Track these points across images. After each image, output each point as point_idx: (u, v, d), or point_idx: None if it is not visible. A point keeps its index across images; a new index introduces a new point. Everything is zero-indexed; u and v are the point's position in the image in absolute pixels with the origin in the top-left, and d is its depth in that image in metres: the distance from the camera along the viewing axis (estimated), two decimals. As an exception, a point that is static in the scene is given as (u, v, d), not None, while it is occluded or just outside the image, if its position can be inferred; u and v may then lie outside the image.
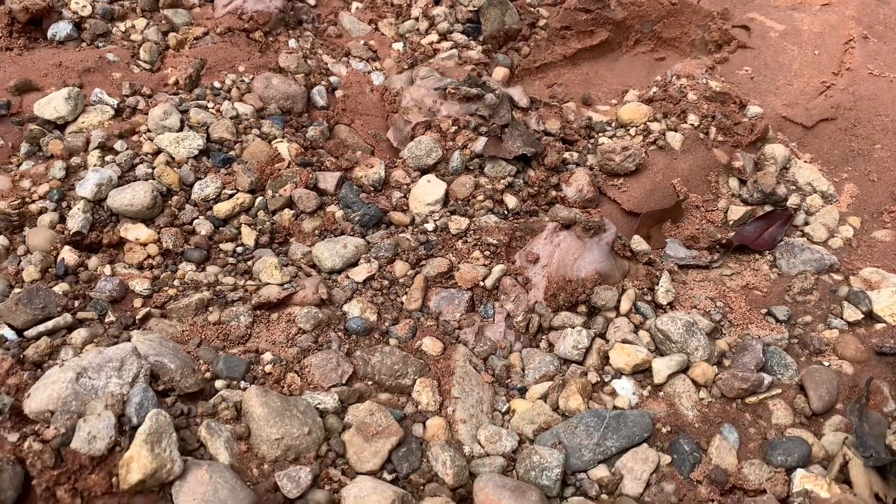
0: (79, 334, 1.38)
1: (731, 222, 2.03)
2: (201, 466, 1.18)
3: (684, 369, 1.52)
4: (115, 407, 1.20)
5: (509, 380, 1.57)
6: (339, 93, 2.28)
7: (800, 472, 1.34)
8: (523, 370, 1.60)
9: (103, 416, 1.18)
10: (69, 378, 1.23)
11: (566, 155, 2.09)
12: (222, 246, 1.71)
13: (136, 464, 1.13)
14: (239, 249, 1.72)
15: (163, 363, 1.32)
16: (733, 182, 2.14)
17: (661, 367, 1.51)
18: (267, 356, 1.45)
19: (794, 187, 2.16)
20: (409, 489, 1.27)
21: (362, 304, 1.62)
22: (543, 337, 1.66)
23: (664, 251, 1.94)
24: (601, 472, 1.34)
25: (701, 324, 1.62)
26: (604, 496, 1.31)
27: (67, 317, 1.42)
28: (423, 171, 1.97)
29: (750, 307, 1.76)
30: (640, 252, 1.80)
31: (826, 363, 1.60)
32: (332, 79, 2.30)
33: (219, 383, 1.37)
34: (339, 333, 1.55)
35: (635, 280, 1.75)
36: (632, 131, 2.18)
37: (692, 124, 2.20)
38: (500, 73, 2.36)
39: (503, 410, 1.50)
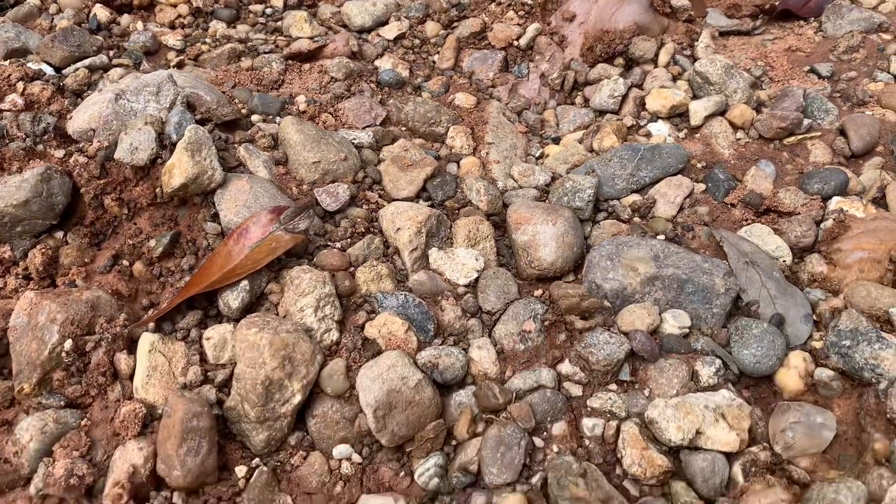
0: (115, 72, 1.39)
1: (776, -7, 1.94)
2: (242, 178, 1.21)
3: (722, 111, 1.49)
4: (155, 125, 1.22)
5: (543, 131, 1.57)
6: None
7: (836, 198, 1.33)
8: (557, 124, 1.59)
9: (144, 130, 1.20)
10: (108, 98, 1.25)
11: (604, -77, 1.98)
12: (252, 7, 1.69)
13: (178, 169, 1.16)
14: (268, 11, 1.70)
15: (199, 95, 1.33)
16: (781, -46, 2.03)
17: (699, 109, 1.48)
18: (301, 98, 1.45)
19: (845, -42, 2.05)
20: (443, 213, 1.30)
21: (394, 60, 1.61)
22: (579, 93, 1.64)
23: (704, 21, 1.86)
24: (634, 198, 1.35)
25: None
26: (636, 219, 1.32)
27: (104, 58, 1.42)
28: (454, -64, 1.90)
29: (792, 66, 1.70)
30: (680, 9, 1.74)
31: (869, 112, 1.56)
32: None
33: (255, 118, 1.39)
34: (372, 84, 1.55)
35: (675, 35, 1.69)
36: None
37: None
38: None
39: (537, 155, 1.50)
